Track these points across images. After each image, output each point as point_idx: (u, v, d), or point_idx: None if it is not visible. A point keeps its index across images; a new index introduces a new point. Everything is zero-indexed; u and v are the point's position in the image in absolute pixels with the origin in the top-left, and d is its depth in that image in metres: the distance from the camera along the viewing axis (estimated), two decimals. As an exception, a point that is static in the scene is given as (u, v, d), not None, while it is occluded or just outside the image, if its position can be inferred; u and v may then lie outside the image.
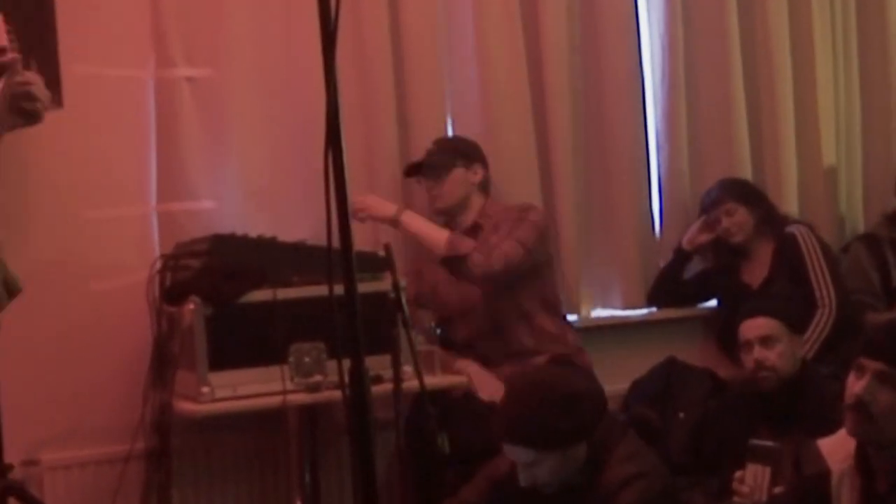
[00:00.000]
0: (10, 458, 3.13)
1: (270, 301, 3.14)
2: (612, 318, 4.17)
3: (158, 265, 3.34)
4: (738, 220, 3.98)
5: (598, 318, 4.16)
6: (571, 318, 3.99)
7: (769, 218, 4.02)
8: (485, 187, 3.74)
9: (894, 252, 4.04)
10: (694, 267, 4.16)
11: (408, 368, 2.90)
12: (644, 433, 3.21)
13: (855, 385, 2.33)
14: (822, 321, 3.77)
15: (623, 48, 4.16)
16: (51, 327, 3.44)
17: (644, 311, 4.20)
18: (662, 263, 4.22)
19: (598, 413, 2.84)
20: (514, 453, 2.81)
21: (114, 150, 3.57)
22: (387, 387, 2.76)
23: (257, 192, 3.69)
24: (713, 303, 4.24)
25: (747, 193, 4.06)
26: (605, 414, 2.88)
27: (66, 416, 3.49)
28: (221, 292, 3.12)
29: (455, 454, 3.18)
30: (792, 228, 3.96)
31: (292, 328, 3.13)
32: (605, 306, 4.18)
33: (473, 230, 3.66)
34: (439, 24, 3.92)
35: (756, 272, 4.01)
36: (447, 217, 3.71)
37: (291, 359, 3.13)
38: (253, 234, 3.33)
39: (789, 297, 3.76)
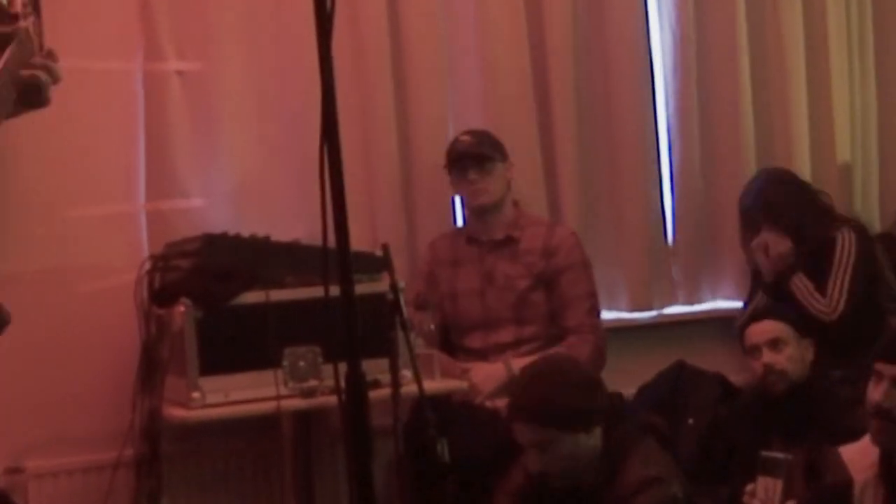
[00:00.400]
0: (-7, 465, 3.13)
1: (264, 303, 3.13)
2: (619, 320, 4.17)
3: (147, 266, 3.34)
4: (780, 252, 3.78)
5: (605, 321, 4.15)
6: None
7: (811, 222, 3.86)
8: (510, 185, 3.75)
9: (911, 252, 4.03)
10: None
11: (406, 373, 2.89)
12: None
13: (874, 392, 2.32)
14: (822, 311, 3.73)
15: (632, 42, 4.15)
16: (35, 330, 3.43)
17: (653, 313, 4.19)
18: (672, 265, 4.20)
19: (613, 405, 2.93)
20: (528, 433, 2.83)
21: (100, 147, 3.57)
22: (385, 392, 2.75)
23: (250, 190, 3.68)
24: (725, 304, 4.23)
25: (784, 212, 3.84)
26: (621, 413, 2.92)
27: (51, 422, 3.48)
28: (213, 294, 3.12)
29: (456, 462, 3.18)
30: (839, 232, 3.82)
31: (286, 331, 3.12)
32: (610, 308, 4.17)
33: (504, 243, 3.68)
34: (439, 16, 3.92)
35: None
36: (481, 216, 3.70)
37: (285, 363, 3.12)
38: (245, 233, 3.32)
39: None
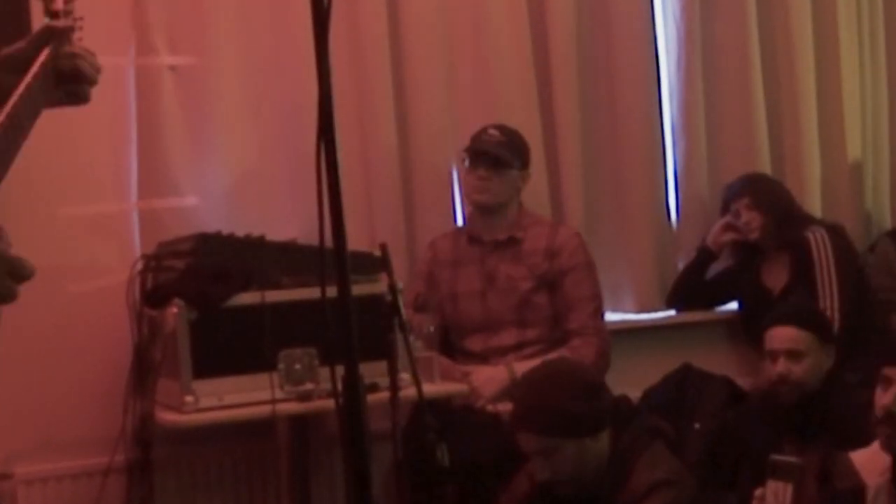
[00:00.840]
0: (-19, 471, 3.13)
1: (259, 304, 3.13)
2: (623, 322, 4.17)
3: (139, 266, 3.34)
4: (755, 216, 3.98)
5: (610, 323, 4.15)
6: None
7: (789, 218, 4.01)
8: (520, 193, 3.76)
9: (924, 249, 4.04)
10: (714, 267, 4.16)
11: (405, 376, 2.89)
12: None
13: (883, 397, 2.32)
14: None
15: (637, 38, 4.15)
16: (24, 332, 3.42)
17: (658, 314, 4.20)
18: (679, 262, 4.22)
19: (615, 407, 2.92)
20: (532, 442, 2.85)
21: (91, 143, 3.57)
22: (383, 395, 2.75)
23: (245, 189, 3.68)
24: (731, 306, 4.25)
25: (767, 191, 4.05)
26: (628, 417, 2.92)
27: (41, 426, 3.49)
28: (206, 295, 3.12)
29: (456, 467, 3.18)
30: (808, 232, 3.93)
31: (282, 333, 3.12)
32: (615, 309, 4.17)
33: (506, 244, 3.69)
34: (439, 11, 3.92)
35: (777, 276, 4.01)
36: (482, 215, 3.71)
37: (281, 365, 3.13)
38: (240, 232, 3.32)
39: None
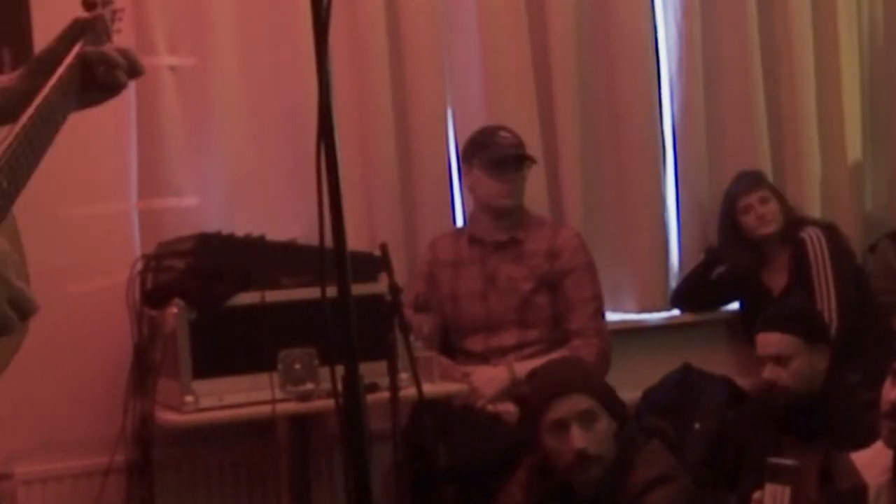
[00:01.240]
0: (-19, 471, 3.13)
1: (259, 304, 3.13)
2: (624, 322, 4.17)
3: (139, 266, 3.34)
4: (772, 209, 3.98)
5: (609, 323, 4.15)
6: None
7: (791, 217, 4.03)
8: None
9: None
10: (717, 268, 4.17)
11: (405, 376, 2.89)
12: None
13: (891, 391, 2.32)
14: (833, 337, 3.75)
15: (637, 38, 4.15)
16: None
17: (660, 315, 4.20)
18: (676, 262, 4.22)
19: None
20: (576, 403, 2.86)
21: (91, 144, 3.56)
22: (383, 395, 2.75)
23: (245, 189, 3.68)
24: (732, 306, 4.25)
25: (776, 188, 4.08)
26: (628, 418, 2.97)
27: (40, 426, 3.49)
28: (206, 295, 3.12)
29: (455, 468, 3.19)
30: (804, 232, 3.94)
31: (282, 333, 3.12)
32: (615, 309, 4.17)
33: (509, 245, 3.69)
34: (439, 11, 3.92)
35: (776, 277, 4.01)
36: (498, 216, 3.71)
37: (281, 366, 3.13)
38: (240, 232, 3.33)
39: (809, 306, 3.76)
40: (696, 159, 4.25)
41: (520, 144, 3.69)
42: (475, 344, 3.71)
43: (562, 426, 2.86)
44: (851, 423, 3.05)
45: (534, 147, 3.95)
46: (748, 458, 3.26)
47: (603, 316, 3.76)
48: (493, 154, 3.65)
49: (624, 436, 2.89)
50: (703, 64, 4.25)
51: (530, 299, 3.66)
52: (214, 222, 3.45)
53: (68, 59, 1.75)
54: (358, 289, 1.81)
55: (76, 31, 1.85)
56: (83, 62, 1.78)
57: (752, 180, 4.04)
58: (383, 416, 2.75)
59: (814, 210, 4.30)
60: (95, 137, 3.57)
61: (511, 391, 3.56)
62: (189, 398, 3.05)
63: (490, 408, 3.54)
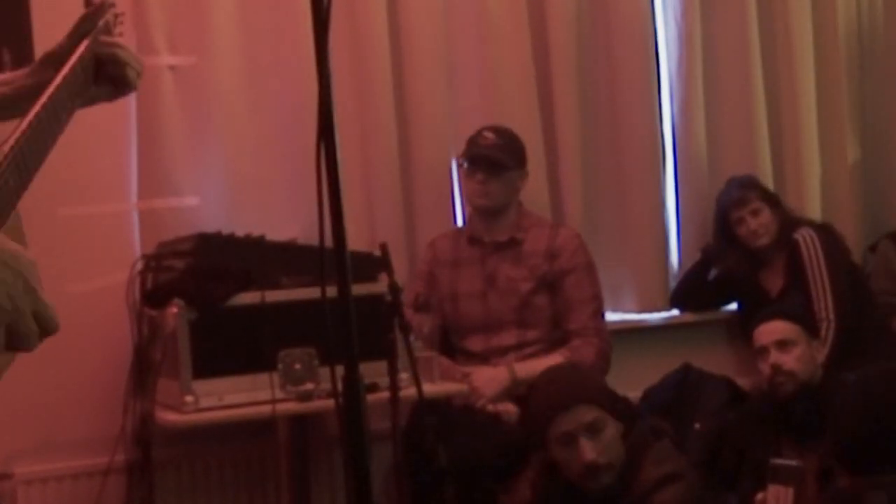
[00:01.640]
0: (-19, 471, 3.13)
1: (259, 304, 3.13)
2: (624, 322, 4.17)
3: (139, 266, 3.34)
4: (764, 221, 3.97)
5: (609, 323, 4.15)
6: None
7: (786, 220, 4.02)
8: (518, 193, 3.76)
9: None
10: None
11: (405, 376, 2.89)
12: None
13: None
14: (825, 336, 3.75)
15: (637, 37, 4.15)
16: (24, 332, 3.43)
17: (660, 315, 4.20)
18: (676, 261, 4.23)
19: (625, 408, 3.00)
20: (583, 415, 2.85)
21: (91, 143, 3.56)
22: (383, 395, 2.75)
23: (245, 188, 3.68)
24: (731, 306, 4.25)
25: (769, 193, 4.07)
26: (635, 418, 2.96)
27: (40, 426, 3.49)
28: (206, 295, 3.12)
29: (455, 468, 3.18)
30: (797, 234, 3.94)
31: (282, 333, 3.12)
32: (615, 309, 4.17)
33: (507, 245, 3.69)
34: (440, 11, 3.92)
35: (774, 279, 4.02)
36: (482, 217, 3.71)
37: (281, 366, 3.13)
38: (240, 232, 3.33)
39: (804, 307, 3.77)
40: (695, 159, 4.25)
41: (499, 147, 3.65)
42: (475, 344, 3.71)
43: (570, 439, 2.86)
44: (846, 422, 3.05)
45: (534, 147, 3.96)
46: (749, 458, 3.26)
47: (602, 316, 3.76)
48: (469, 153, 3.67)
49: (633, 435, 2.89)
50: (703, 64, 4.25)
51: (530, 300, 3.66)
52: (214, 222, 3.45)
53: (76, 55, 1.74)
54: (358, 289, 1.81)
55: (84, 27, 1.84)
56: (92, 58, 1.77)
57: (741, 192, 4.00)
58: (383, 416, 2.75)
59: (813, 209, 4.30)
60: (95, 137, 3.57)
61: (511, 391, 3.56)
62: (189, 398, 3.05)
63: (490, 408, 3.54)
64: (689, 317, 4.23)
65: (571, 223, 4.00)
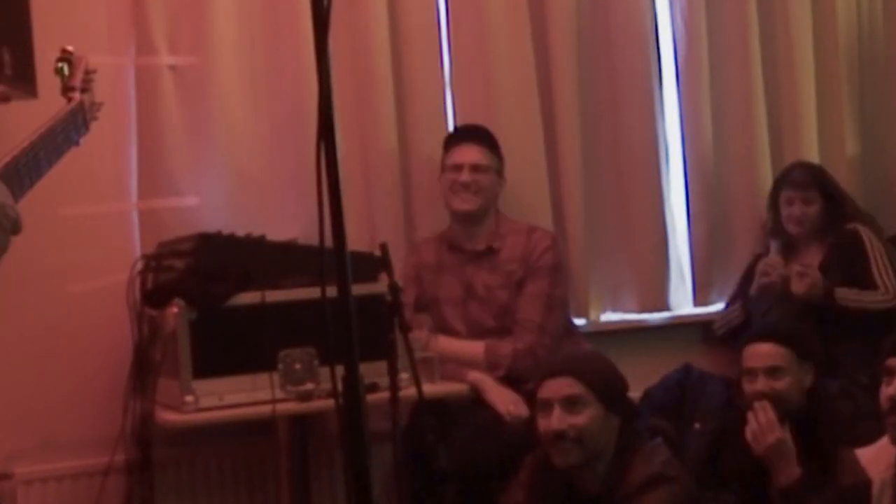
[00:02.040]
0: (-19, 471, 3.13)
1: (259, 304, 3.13)
2: (623, 322, 4.17)
3: (139, 266, 3.34)
4: (810, 213, 3.96)
5: (609, 323, 4.16)
6: (579, 322, 3.99)
7: (838, 216, 4.00)
8: (497, 199, 3.76)
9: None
10: (743, 257, 4.17)
11: (405, 376, 2.89)
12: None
13: (888, 388, 2.33)
14: (881, 300, 3.79)
15: (638, 36, 4.15)
16: (24, 332, 3.44)
17: (660, 315, 4.20)
18: (688, 262, 4.22)
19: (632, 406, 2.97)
20: (563, 386, 2.84)
21: (91, 143, 3.53)
22: (383, 395, 2.75)
23: (245, 188, 3.68)
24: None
25: (832, 189, 4.04)
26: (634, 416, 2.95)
27: (40, 426, 3.49)
28: (206, 295, 3.12)
29: (455, 468, 3.18)
30: (852, 226, 3.95)
31: (282, 333, 3.12)
32: (615, 309, 4.17)
33: (485, 254, 3.68)
34: (440, 10, 3.92)
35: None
36: (465, 223, 3.70)
37: (281, 365, 3.13)
38: (240, 232, 3.33)
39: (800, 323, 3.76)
40: (696, 159, 4.25)
41: (481, 154, 3.66)
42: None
43: (546, 405, 2.86)
44: (838, 436, 3.04)
45: (535, 148, 3.96)
46: (747, 460, 3.25)
47: (554, 315, 3.64)
48: (448, 161, 3.69)
49: (626, 433, 2.87)
50: (703, 64, 4.25)
51: (508, 307, 3.64)
52: (214, 222, 3.45)
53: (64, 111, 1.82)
54: (358, 289, 1.81)
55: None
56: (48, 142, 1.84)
57: (803, 177, 4.00)
58: (383, 416, 2.75)
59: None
60: (95, 137, 3.56)
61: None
62: (189, 398, 3.05)
63: (507, 417, 3.50)
64: (689, 317, 4.22)
65: (571, 223, 4.00)
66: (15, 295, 3.29)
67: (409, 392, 2.88)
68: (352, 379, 1.79)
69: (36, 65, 3.38)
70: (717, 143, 4.27)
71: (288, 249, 3.30)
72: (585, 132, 4.08)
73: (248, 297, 3.14)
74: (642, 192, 4.16)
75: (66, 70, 1.98)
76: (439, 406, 3.40)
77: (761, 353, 3.21)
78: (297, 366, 3.13)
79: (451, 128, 3.93)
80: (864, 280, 3.87)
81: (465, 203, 3.65)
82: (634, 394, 3.82)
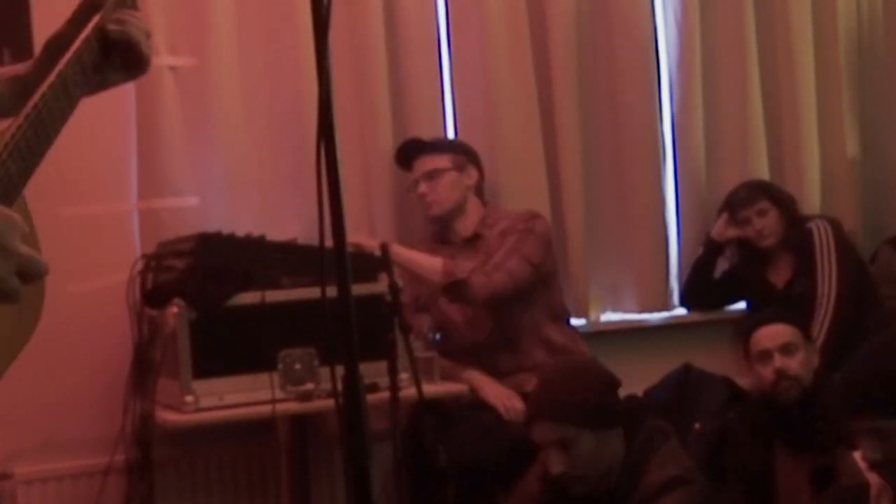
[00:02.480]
0: (-19, 471, 3.13)
1: (259, 304, 3.13)
2: (623, 322, 4.17)
3: (139, 266, 3.34)
4: (769, 223, 4.00)
5: (609, 323, 4.16)
6: (579, 322, 3.99)
7: (795, 219, 4.04)
8: (480, 192, 3.74)
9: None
10: (718, 267, 4.18)
11: (405, 376, 2.89)
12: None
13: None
14: (817, 323, 3.78)
15: (637, 36, 4.16)
16: (24, 332, 3.44)
17: (660, 315, 4.20)
18: (676, 262, 4.23)
19: (634, 407, 2.90)
20: (549, 431, 2.80)
21: (92, 143, 3.57)
22: (383, 395, 2.75)
23: (245, 188, 3.68)
24: (734, 306, 4.25)
25: (778, 194, 4.08)
26: (643, 415, 2.90)
27: (40, 426, 3.49)
28: (206, 295, 3.12)
29: (455, 468, 3.18)
30: (811, 223, 3.99)
31: (282, 333, 3.12)
32: (615, 309, 4.18)
33: (473, 241, 3.66)
34: (438, 10, 3.93)
35: (780, 272, 4.03)
36: (443, 225, 3.70)
37: (281, 365, 3.13)
38: (240, 232, 3.32)
39: (804, 299, 3.78)
40: (695, 159, 4.25)
41: (429, 160, 3.66)
42: (462, 341, 3.69)
43: (542, 448, 2.83)
44: (839, 422, 3.05)
45: (535, 148, 3.96)
46: (747, 460, 3.26)
47: (516, 261, 3.53)
48: (398, 155, 3.72)
49: (639, 437, 2.82)
50: (703, 64, 4.26)
51: None
52: (214, 222, 3.45)
53: (83, 35, 1.65)
54: (358, 289, 1.81)
55: (88, 7, 1.77)
56: (101, 39, 1.69)
57: (749, 192, 4.05)
58: (383, 416, 2.75)
59: (812, 209, 4.30)
60: (95, 137, 3.57)
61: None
62: (189, 398, 3.06)
63: (502, 410, 3.50)
64: (690, 317, 4.23)
65: (571, 223, 4.01)
66: (15, 295, 3.28)
67: (409, 392, 2.88)
68: (352, 379, 1.78)
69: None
70: (710, 144, 4.27)
71: (288, 249, 3.30)
72: (585, 132, 4.08)
73: (248, 297, 3.14)
74: (642, 192, 4.16)
75: None
76: (439, 406, 3.40)
77: (772, 333, 3.27)
78: (297, 366, 3.13)
79: (451, 128, 3.93)
80: (813, 282, 3.89)
81: (433, 209, 3.68)
82: (635, 393, 3.82)
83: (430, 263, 3.55)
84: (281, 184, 3.70)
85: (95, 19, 1.70)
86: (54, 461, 3.48)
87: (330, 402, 2.88)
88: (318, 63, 1.78)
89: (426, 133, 3.84)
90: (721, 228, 4.10)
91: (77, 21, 1.76)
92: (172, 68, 3.60)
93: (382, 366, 2.76)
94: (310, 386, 3.12)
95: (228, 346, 3.13)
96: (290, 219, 3.59)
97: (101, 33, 1.68)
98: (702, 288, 4.18)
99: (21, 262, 1.31)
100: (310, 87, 1.85)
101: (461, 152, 3.72)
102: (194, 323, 3.09)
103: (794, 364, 3.23)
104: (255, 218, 3.57)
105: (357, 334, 1.77)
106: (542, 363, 3.57)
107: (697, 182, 4.26)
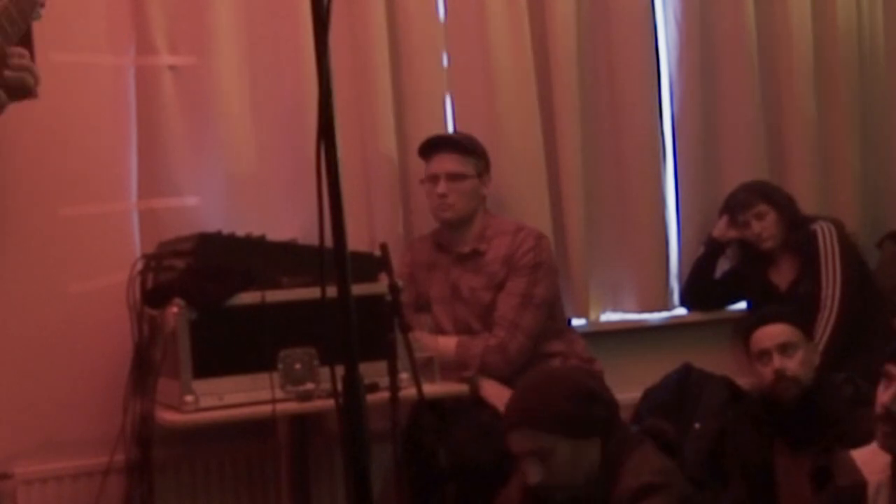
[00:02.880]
0: (-19, 471, 3.13)
1: (259, 304, 3.13)
2: (623, 322, 4.17)
3: (140, 266, 3.33)
4: (768, 225, 3.99)
5: (609, 323, 4.16)
6: (579, 322, 3.99)
7: (796, 220, 4.03)
8: (485, 200, 3.74)
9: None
10: (720, 268, 4.18)
11: (405, 376, 2.89)
12: (657, 446, 3.19)
13: (883, 395, 2.33)
14: (821, 325, 3.78)
15: (637, 36, 4.16)
16: (24, 332, 3.44)
17: (660, 315, 4.20)
18: (677, 262, 4.23)
19: (612, 416, 2.83)
20: (525, 441, 2.76)
21: (92, 143, 3.57)
22: (383, 395, 2.75)
23: (245, 188, 3.68)
24: (735, 307, 4.25)
25: (777, 196, 4.07)
26: (618, 423, 2.87)
27: (40, 426, 3.49)
28: (207, 295, 3.11)
29: (455, 467, 3.18)
30: (815, 225, 3.98)
31: (282, 333, 3.12)
32: (615, 309, 4.17)
33: (472, 256, 3.67)
34: (439, 10, 3.93)
35: (783, 273, 4.03)
36: (449, 228, 3.70)
37: (281, 365, 3.13)
38: (240, 232, 3.33)
39: (808, 301, 3.77)
40: (695, 159, 4.25)
41: (454, 162, 3.64)
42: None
43: (519, 457, 2.78)
44: (840, 421, 3.05)
45: (535, 149, 3.96)
46: (747, 459, 3.26)
47: (531, 315, 3.59)
48: (425, 146, 3.69)
49: (610, 446, 2.77)
50: (703, 64, 4.26)
51: (491, 308, 3.63)
52: (214, 222, 3.45)
53: None
54: (358, 289, 1.81)
55: None
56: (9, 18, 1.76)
57: (747, 196, 4.04)
58: (383, 415, 2.75)
59: (812, 209, 4.29)
60: (95, 137, 3.58)
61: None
62: (189, 398, 3.05)
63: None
64: (689, 317, 4.23)
65: (571, 223, 4.00)
66: (16, 295, 3.29)
67: (409, 392, 2.88)
68: (352, 379, 1.79)
69: (36, 64, 3.38)
70: (710, 144, 4.27)
71: (288, 249, 3.30)
72: (585, 133, 4.08)
73: (248, 297, 3.14)
74: (642, 192, 4.16)
75: None
76: (439, 406, 3.40)
77: (771, 333, 3.28)
78: (297, 366, 3.13)
79: (450, 128, 3.93)
80: (817, 284, 3.89)
81: (445, 212, 3.66)
82: (634, 394, 3.83)
83: (443, 346, 3.56)
84: (281, 184, 3.70)
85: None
86: (54, 461, 3.48)
87: (330, 402, 2.86)
88: (318, 63, 1.78)
89: (426, 133, 3.84)
90: (722, 229, 4.10)
91: None
92: (172, 68, 3.60)
93: (382, 366, 2.76)
94: (310, 386, 3.12)
95: (228, 345, 3.12)
96: (290, 219, 3.59)
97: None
98: (702, 288, 4.18)
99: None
100: (310, 87, 1.84)
101: (483, 158, 3.72)
102: (194, 323, 3.09)
103: (794, 364, 3.23)
104: (255, 218, 3.57)
105: (357, 334, 1.77)
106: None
107: (697, 182, 4.26)
